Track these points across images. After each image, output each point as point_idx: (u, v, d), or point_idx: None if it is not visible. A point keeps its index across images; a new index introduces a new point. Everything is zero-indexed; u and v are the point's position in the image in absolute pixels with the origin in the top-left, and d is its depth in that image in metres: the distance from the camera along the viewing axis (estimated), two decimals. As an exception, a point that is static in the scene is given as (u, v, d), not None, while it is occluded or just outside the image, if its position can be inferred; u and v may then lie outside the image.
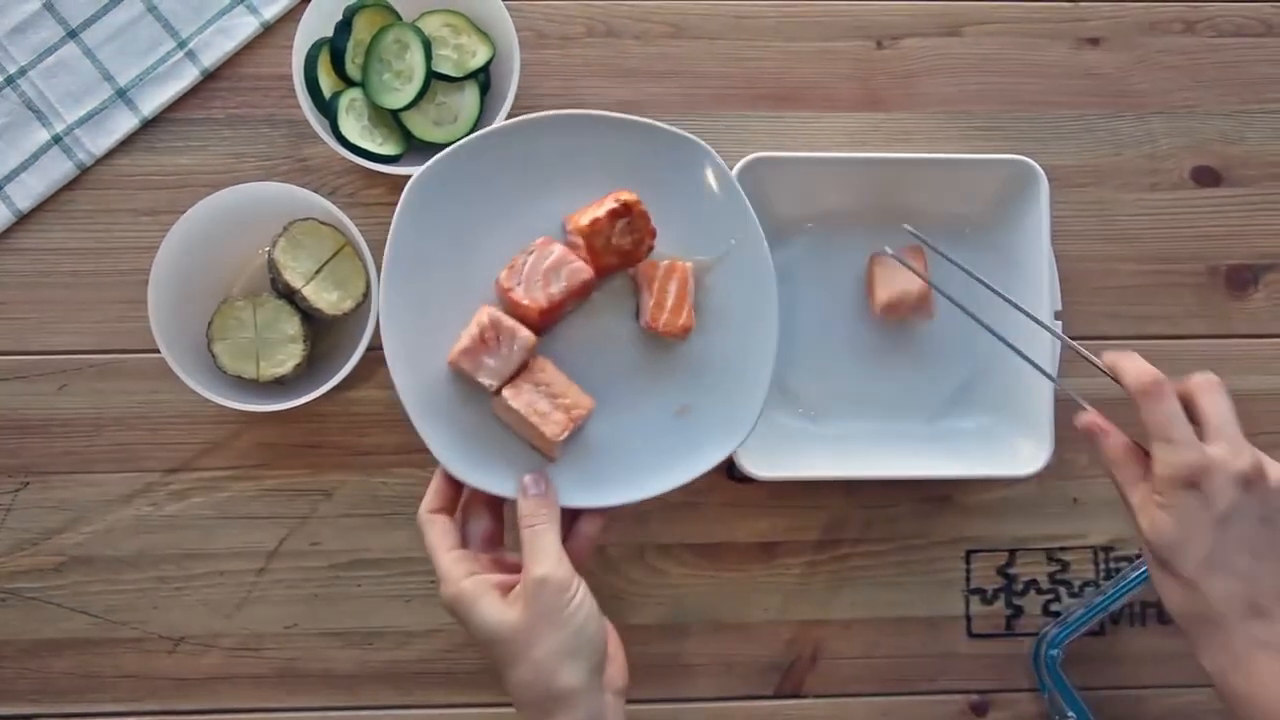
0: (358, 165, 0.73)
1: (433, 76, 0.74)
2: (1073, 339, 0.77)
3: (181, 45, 0.78)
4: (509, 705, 0.75)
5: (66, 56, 0.77)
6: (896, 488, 0.77)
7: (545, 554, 0.61)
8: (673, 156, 0.68)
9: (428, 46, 0.74)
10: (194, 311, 0.73)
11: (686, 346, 0.68)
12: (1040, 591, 0.77)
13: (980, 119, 0.80)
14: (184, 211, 0.71)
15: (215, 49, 0.78)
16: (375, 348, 0.75)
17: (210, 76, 0.78)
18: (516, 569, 0.64)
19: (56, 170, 0.77)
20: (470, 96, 0.76)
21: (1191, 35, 0.81)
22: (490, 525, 0.67)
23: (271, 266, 0.72)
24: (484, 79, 0.76)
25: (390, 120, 0.75)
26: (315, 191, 0.72)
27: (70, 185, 0.77)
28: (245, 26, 0.78)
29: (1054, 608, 0.77)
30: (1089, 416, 0.63)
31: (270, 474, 0.76)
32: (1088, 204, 0.79)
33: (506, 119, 0.72)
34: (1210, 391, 0.61)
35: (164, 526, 0.75)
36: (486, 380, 0.64)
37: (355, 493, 0.76)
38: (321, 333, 0.76)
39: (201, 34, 0.78)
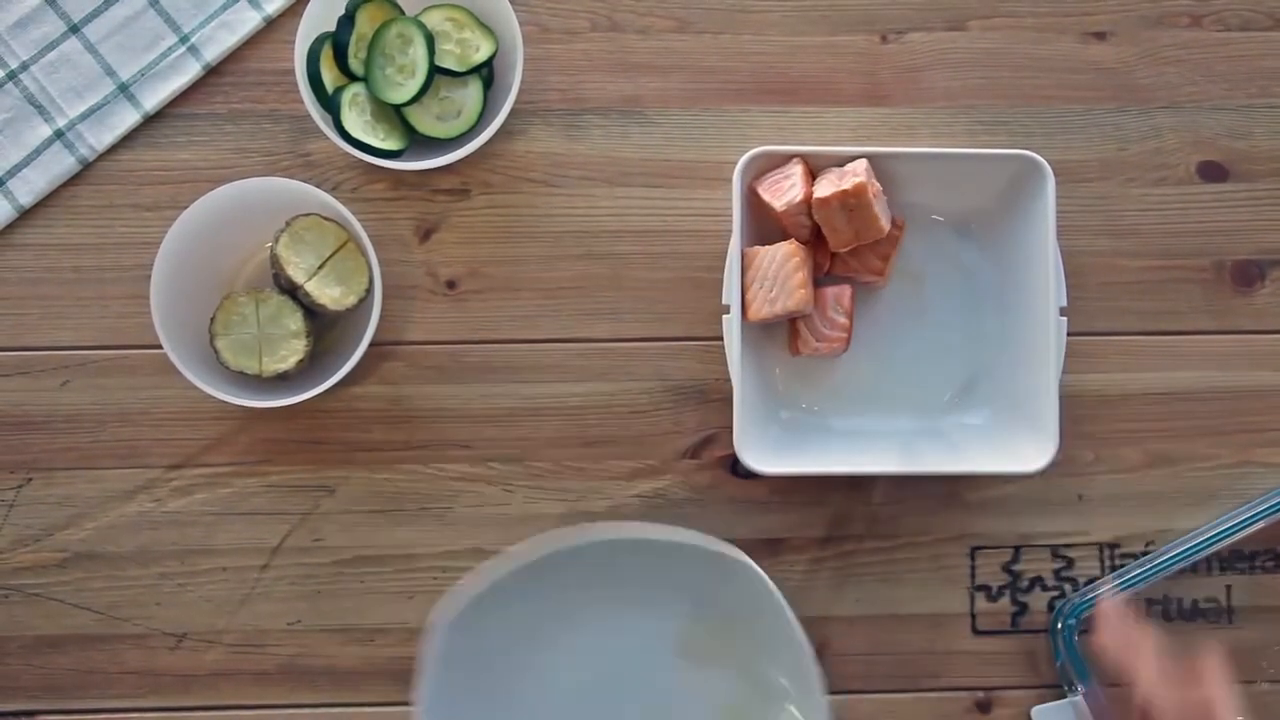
0: (360, 160, 0.73)
1: (436, 71, 0.74)
2: (1079, 334, 0.78)
3: (184, 40, 0.77)
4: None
5: (68, 51, 0.77)
6: (901, 484, 0.77)
7: None
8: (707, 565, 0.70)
9: (431, 41, 0.73)
10: (196, 307, 0.72)
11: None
12: (1045, 588, 0.77)
13: (985, 113, 0.79)
14: (186, 207, 0.71)
15: (217, 44, 0.77)
16: (378, 343, 0.75)
17: (212, 71, 0.78)
18: None
19: (58, 165, 0.76)
20: (474, 91, 0.75)
21: (1198, 29, 0.80)
22: None
23: (274, 262, 0.72)
24: (487, 74, 0.76)
25: (393, 115, 0.75)
26: (318, 187, 0.72)
27: (72, 180, 0.77)
28: (248, 21, 0.78)
29: (1059, 604, 0.77)
30: None
31: (273, 470, 0.76)
32: (1093, 199, 0.79)
33: (509, 113, 0.72)
34: None
35: (167, 522, 0.75)
36: None
37: (358, 489, 0.76)
38: (324, 328, 0.75)
39: (204, 29, 0.78)
